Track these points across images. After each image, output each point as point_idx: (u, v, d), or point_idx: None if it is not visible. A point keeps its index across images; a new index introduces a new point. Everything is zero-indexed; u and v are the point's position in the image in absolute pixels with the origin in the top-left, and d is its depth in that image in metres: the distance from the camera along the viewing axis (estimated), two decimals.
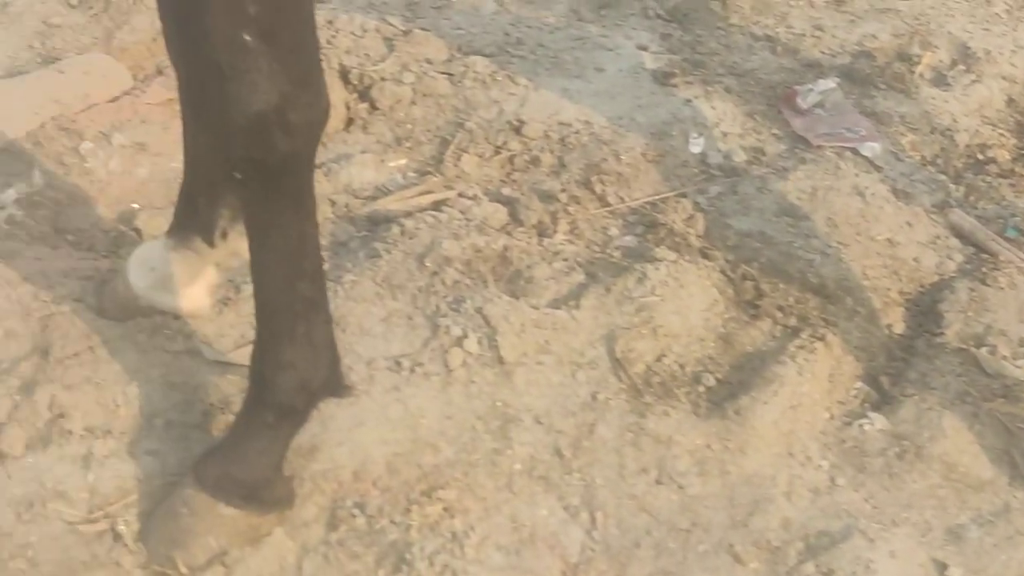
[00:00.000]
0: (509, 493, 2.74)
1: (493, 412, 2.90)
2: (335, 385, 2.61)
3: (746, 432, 2.89)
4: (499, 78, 3.97)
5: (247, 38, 2.09)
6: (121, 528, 2.61)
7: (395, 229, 3.33)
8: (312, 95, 2.24)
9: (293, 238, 2.38)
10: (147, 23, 4.12)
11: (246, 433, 2.58)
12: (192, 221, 2.88)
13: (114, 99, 3.85)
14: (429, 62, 4.05)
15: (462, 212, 3.43)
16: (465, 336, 3.01)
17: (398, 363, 2.97)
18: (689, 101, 3.94)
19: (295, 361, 2.49)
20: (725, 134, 3.84)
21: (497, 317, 3.04)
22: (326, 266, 3.17)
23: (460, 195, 3.53)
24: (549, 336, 3.06)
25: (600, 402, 2.95)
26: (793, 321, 3.21)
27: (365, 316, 3.09)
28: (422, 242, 3.28)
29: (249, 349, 2.88)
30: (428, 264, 3.21)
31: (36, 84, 3.84)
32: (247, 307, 3.07)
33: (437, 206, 3.48)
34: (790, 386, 2.98)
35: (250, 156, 2.23)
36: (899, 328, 3.29)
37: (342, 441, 2.79)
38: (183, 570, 2.54)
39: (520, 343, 3.01)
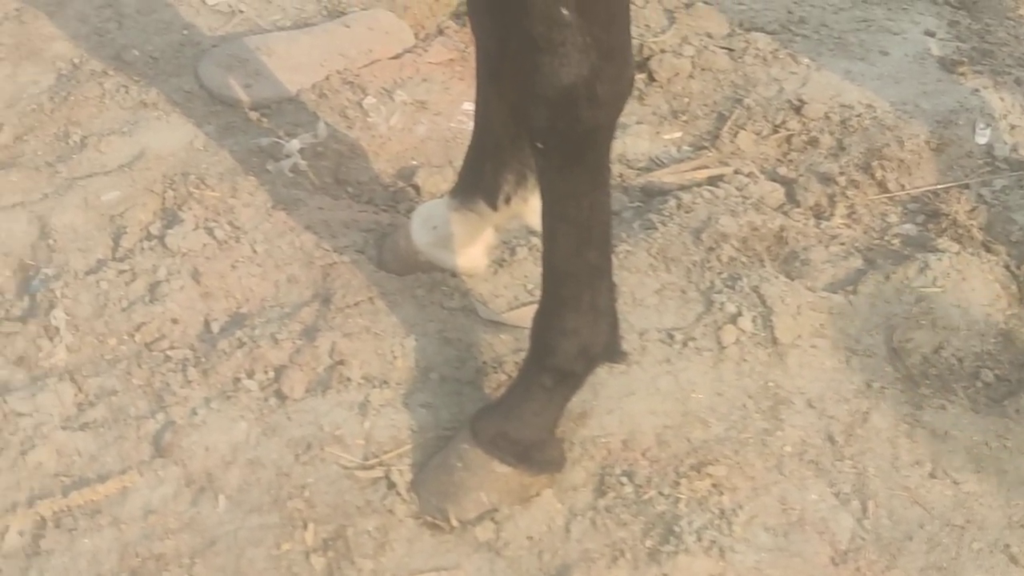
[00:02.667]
0: (779, 475, 2.72)
1: (765, 392, 2.88)
2: (613, 351, 2.63)
3: None
4: (780, 56, 3.93)
5: (564, 12, 2.11)
6: (395, 477, 2.67)
7: (671, 202, 3.32)
8: (619, 67, 2.25)
9: (586, 207, 2.40)
10: None
11: (524, 394, 2.61)
12: (477, 183, 2.92)
13: (396, 56, 3.93)
14: (710, 36, 4.03)
15: (738, 189, 3.40)
16: (739, 314, 2.99)
17: (671, 336, 2.96)
18: (976, 91, 3.83)
19: (578, 327, 2.51)
20: (1013, 127, 3.72)
21: (773, 297, 3.01)
22: None
23: (736, 172, 3.51)
24: (825, 320, 3.02)
25: (875, 390, 2.90)
26: None
27: (639, 287, 3.10)
28: (698, 217, 3.27)
29: (523, 310, 2.95)
30: (704, 239, 3.20)
31: (322, 36, 3.95)
32: (521, 269, 3.13)
33: (713, 181, 3.46)
34: None
35: (555, 127, 2.25)
36: None
37: (612, 409, 2.80)
38: (454, 522, 2.59)
39: (795, 325, 2.98)
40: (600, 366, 2.65)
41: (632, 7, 3.95)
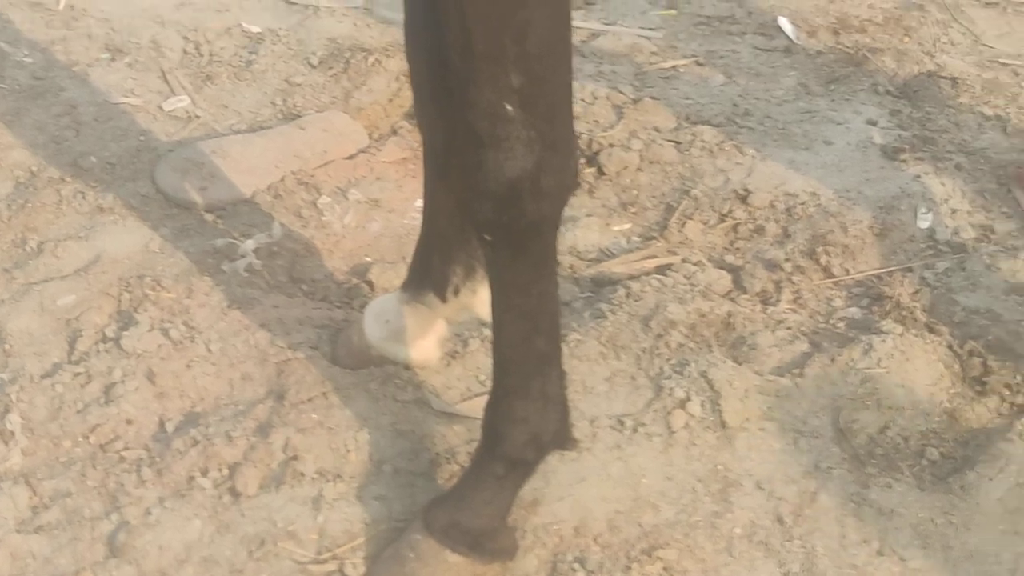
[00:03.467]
0: (729, 556, 2.75)
1: (714, 475, 2.92)
2: (564, 439, 2.66)
3: (970, 508, 2.85)
4: (726, 147, 4.01)
5: (508, 108, 2.16)
6: (349, 570, 2.69)
7: (620, 291, 3.38)
8: (564, 159, 2.31)
9: (534, 297, 2.44)
10: (383, 84, 4.28)
11: (475, 483, 2.64)
12: (426, 277, 2.97)
13: (351, 156, 4.00)
14: (657, 130, 4.11)
15: (686, 277, 3.47)
16: (688, 399, 3.04)
17: (621, 422, 3.01)
18: (918, 177, 3.91)
19: (528, 415, 2.55)
20: (954, 211, 3.80)
21: (721, 381, 3.06)
22: None
23: (684, 261, 3.57)
24: (772, 403, 3.07)
25: (822, 470, 2.94)
26: (1020, 399, 3.15)
27: (589, 374, 3.14)
28: (647, 305, 3.32)
29: (475, 401, 2.99)
30: (653, 326, 3.26)
31: (277, 139, 4.01)
32: (473, 361, 3.17)
33: (661, 270, 3.52)
34: (1017, 464, 2.92)
35: (501, 220, 2.30)
36: None
37: (563, 496, 2.84)
38: None
39: (743, 408, 3.03)
40: (551, 453, 2.68)
41: (581, 103, 4.07)
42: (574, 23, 4.60)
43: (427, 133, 2.69)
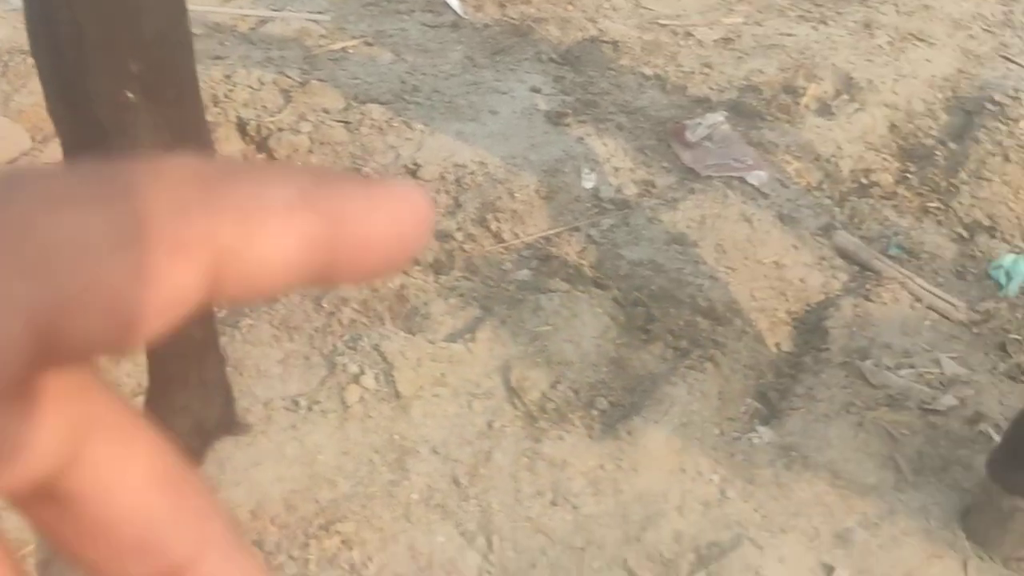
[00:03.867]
0: (407, 523, 2.79)
1: (390, 445, 2.95)
2: (230, 424, 2.66)
3: (638, 451, 2.96)
4: (395, 124, 4.05)
5: (129, 95, 2.15)
6: None
7: None
8: (195, 144, 2.30)
9: None
10: None
11: None
12: None
13: (12, 159, 3.89)
14: (326, 111, 4.12)
15: None
16: (362, 373, 3.06)
17: (295, 402, 3.01)
18: (581, 139, 4.03)
19: (189, 404, 2.54)
20: (616, 169, 3.93)
21: (393, 353, 3.10)
22: (223, 312, 3.24)
23: None
24: (445, 369, 3.12)
25: (496, 430, 3.00)
26: (684, 343, 3.28)
27: (263, 358, 3.14)
28: None
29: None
30: (325, 305, 3.27)
31: None
32: (143, 356, 3.12)
33: None
34: (680, 405, 3.05)
35: None
36: (787, 346, 3.38)
37: (239, 481, 2.83)
38: None
39: (416, 377, 3.07)
40: (220, 440, 2.67)
41: (248, 90, 4.05)
42: (242, 10, 4.61)
43: (58, 125, 2.64)
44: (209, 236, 0.36)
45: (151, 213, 0.35)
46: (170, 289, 0.36)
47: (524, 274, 3.51)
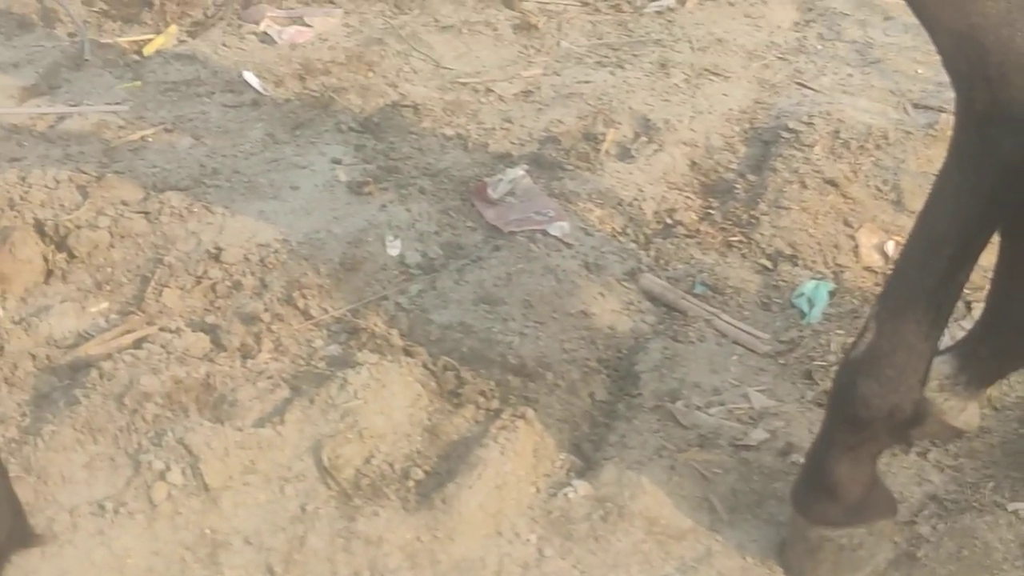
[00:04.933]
0: None
1: (201, 540, 2.90)
2: (23, 536, 2.59)
3: (454, 519, 2.93)
4: (195, 209, 4.00)
5: None
6: None
7: (94, 373, 3.31)
8: None
9: None
10: None
11: None
12: None
13: None
14: (124, 203, 4.06)
15: (163, 346, 3.43)
16: (168, 469, 3.00)
17: (101, 506, 2.94)
18: (384, 207, 4.02)
19: None
20: (421, 234, 3.92)
21: (199, 444, 3.04)
22: (27, 421, 3.17)
23: (162, 329, 3.53)
24: (255, 455, 3.07)
25: (310, 513, 2.97)
26: (495, 403, 3.27)
27: (66, 464, 3.07)
28: (121, 382, 3.27)
29: None
30: (127, 403, 3.21)
31: None
32: None
33: (138, 343, 3.47)
34: (494, 467, 3.03)
35: None
36: (600, 395, 3.39)
37: None
38: None
39: (224, 467, 3.02)
40: (16, 554, 2.60)
41: (44, 189, 3.97)
42: (40, 109, 4.53)
43: None
44: None
45: None
46: None
47: (334, 349, 3.48)
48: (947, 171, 2.44)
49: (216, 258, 3.79)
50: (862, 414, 2.62)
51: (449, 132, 4.52)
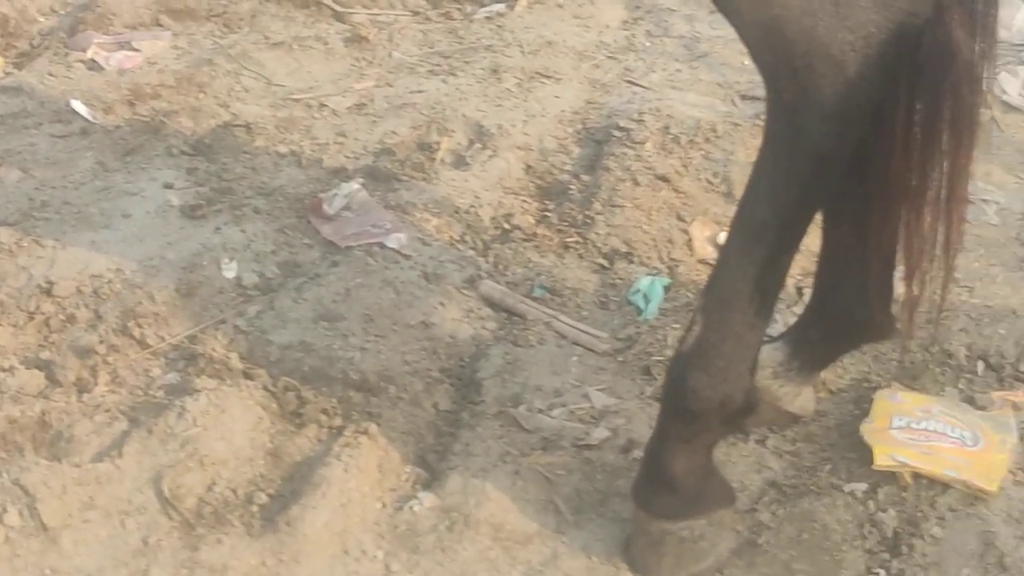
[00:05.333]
0: None
1: None
2: None
3: (299, 541, 2.91)
4: (25, 244, 3.92)
5: None
6: None
7: None
8: None
9: None
10: None
11: None
12: None
13: None
14: None
15: None
16: (4, 511, 2.94)
17: None
18: (218, 229, 3.98)
19: None
20: (257, 254, 3.88)
21: (35, 484, 2.98)
22: None
23: None
24: (93, 491, 3.02)
25: (152, 545, 2.92)
26: (338, 421, 3.26)
27: None
28: None
29: None
30: None
31: None
32: None
33: None
34: (338, 485, 3.01)
35: None
36: (444, 404, 3.39)
37: None
38: None
39: (63, 505, 2.96)
40: None
41: None
42: None
43: None
44: None
45: None
46: None
47: (172, 377, 3.44)
48: (762, 160, 2.49)
49: (48, 292, 3.72)
50: (694, 406, 2.65)
51: (283, 150, 4.48)
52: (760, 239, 2.50)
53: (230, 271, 3.81)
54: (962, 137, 2.44)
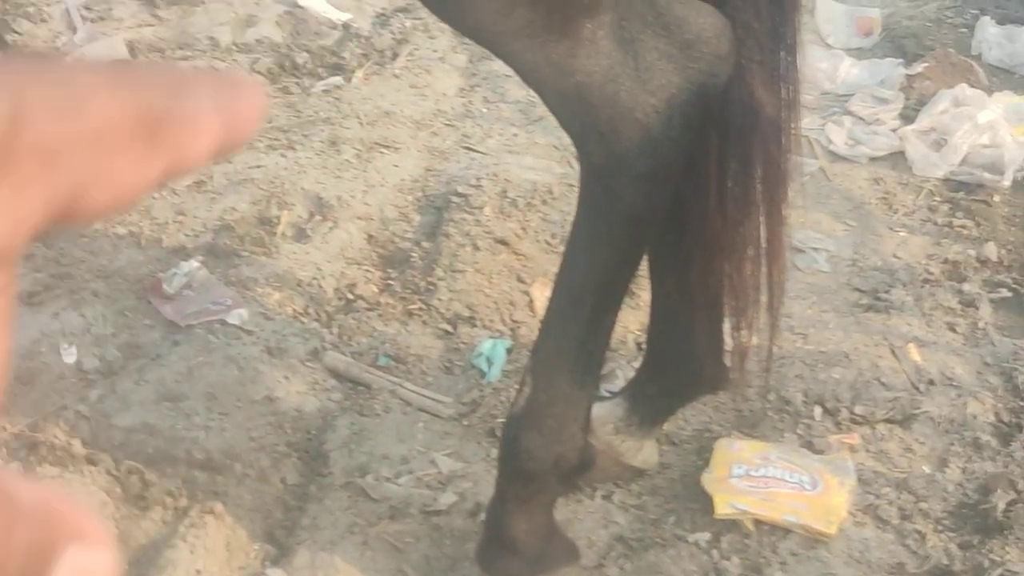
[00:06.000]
0: None
1: None
2: None
3: None
4: None
5: None
6: None
7: None
8: None
9: None
10: None
11: None
12: None
13: None
14: None
15: None
16: None
17: None
18: (56, 314, 3.93)
19: None
20: (97, 337, 3.85)
21: None
22: None
23: None
24: None
25: None
26: (183, 502, 3.24)
27: None
28: None
29: None
30: None
31: None
32: None
33: None
34: (184, 566, 2.99)
35: None
36: (292, 478, 3.38)
37: None
38: None
39: None
40: None
41: None
42: None
43: None
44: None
45: None
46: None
47: (14, 467, 3.38)
48: (578, 223, 2.54)
49: None
50: (528, 467, 2.68)
51: (122, 231, 4.45)
52: (580, 300, 2.54)
53: (70, 356, 3.77)
54: (775, 190, 2.52)
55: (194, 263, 4.13)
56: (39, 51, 5.23)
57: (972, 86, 5.17)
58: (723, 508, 3.10)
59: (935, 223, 4.55)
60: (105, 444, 3.44)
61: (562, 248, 4.10)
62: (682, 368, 3.00)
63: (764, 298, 2.72)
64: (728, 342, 2.93)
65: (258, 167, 4.84)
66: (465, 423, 3.52)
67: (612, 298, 2.58)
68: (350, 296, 4.12)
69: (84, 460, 3.37)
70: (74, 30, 6.06)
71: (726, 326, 2.89)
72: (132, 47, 5.90)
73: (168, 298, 4.01)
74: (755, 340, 2.79)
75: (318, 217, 4.48)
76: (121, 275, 4.19)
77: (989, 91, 5.25)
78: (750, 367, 2.87)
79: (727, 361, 3.01)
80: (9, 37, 6.00)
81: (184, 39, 5.97)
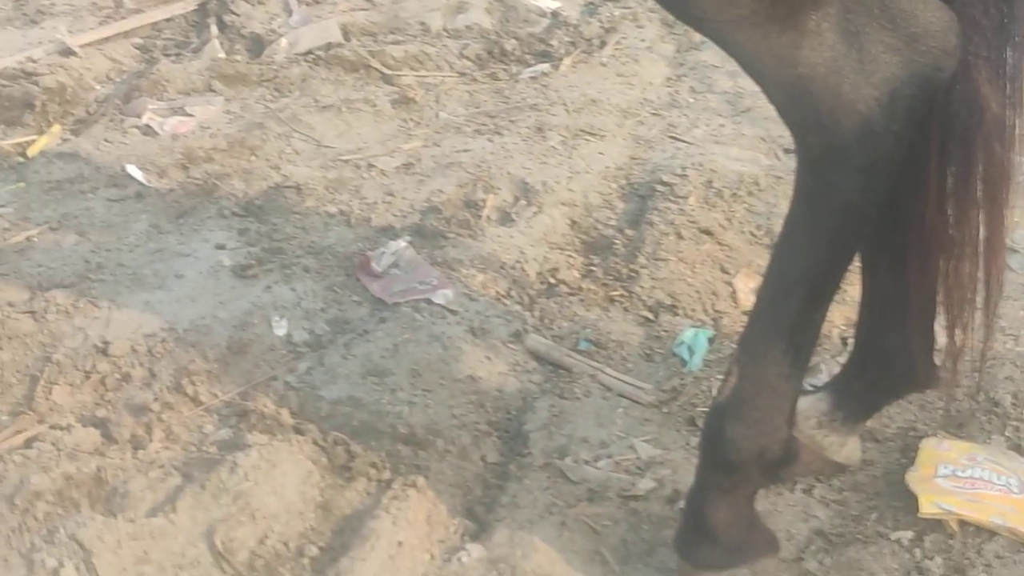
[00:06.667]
0: None
1: None
2: None
3: None
4: (81, 305, 4.01)
5: None
6: None
7: None
8: None
9: None
10: None
11: None
12: None
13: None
14: (11, 305, 4.06)
15: (53, 443, 3.44)
16: (61, 565, 3.00)
17: None
18: (269, 288, 4.05)
19: None
20: (307, 311, 3.96)
21: (91, 539, 3.04)
22: None
23: (52, 427, 3.54)
24: (148, 546, 3.07)
25: None
26: (387, 474, 3.31)
27: None
28: (11, 483, 3.27)
29: None
30: (18, 503, 3.20)
31: None
32: None
33: (29, 443, 3.47)
34: (386, 537, 3.06)
35: None
36: (492, 457, 3.43)
37: None
38: None
39: (117, 559, 3.02)
40: None
41: None
42: None
43: None
44: None
45: None
46: None
47: (224, 433, 3.50)
48: (793, 214, 2.52)
49: (104, 352, 3.80)
50: (732, 457, 2.68)
51: (332, 209, 4.57)
52: (792, 293, 2.53)
53: (281, 329, 3.88)
54: (997, 189, 2.48)
55: (402, 243, 4.21)
56: None
57: None
58: (928, 507, 3.05)
59: None
60: (312, 415, 3.54)
61: (767, 240, 4.11)
62: (892, 365, 2.96)
63: (980, 298, 2.67)
64: (939, 340, 2.88)
65: (465, 151, 4.91)
66: (665, 410, 3.53)
67: (824, 292, 2.56)
68: (552, 280, 4.15)
69: (292, 430, 3.46)
70: (289, 12, 6.23)
71: (938, 324, 2.85)
72: (346, 30, 6.04)
73: (376, 276, 4.10)
74: (969, 340, 2.74)
75: (523, 201, 4.53)
76: (331, 252, 4.29)
77: None
78: (961, 367, 2.82)
79: (937, 360, 2.97)
80: (227, 18, 6.20)
81: (396, 24, 6.10)
